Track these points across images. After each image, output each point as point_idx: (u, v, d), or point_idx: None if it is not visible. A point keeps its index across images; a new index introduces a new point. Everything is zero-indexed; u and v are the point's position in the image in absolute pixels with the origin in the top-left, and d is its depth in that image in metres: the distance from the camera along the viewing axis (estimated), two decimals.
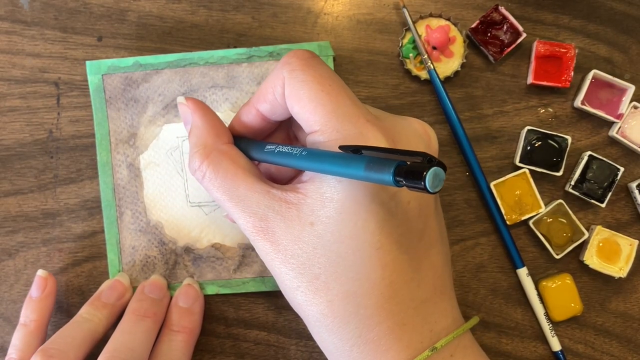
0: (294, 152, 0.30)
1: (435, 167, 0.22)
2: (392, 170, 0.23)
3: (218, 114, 0.41)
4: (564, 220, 0.41)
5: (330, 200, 0.29)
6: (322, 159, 0.28)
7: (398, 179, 0.23)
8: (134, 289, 0.41)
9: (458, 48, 0.41)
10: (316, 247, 0.29)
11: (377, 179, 0.24)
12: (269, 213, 0.30)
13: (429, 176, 0.22)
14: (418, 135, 0.32)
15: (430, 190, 0.22)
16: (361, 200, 0.29)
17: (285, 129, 0.37)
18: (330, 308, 0.30)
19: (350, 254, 0.29)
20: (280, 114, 0.33)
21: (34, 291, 0.39)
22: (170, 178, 0.41)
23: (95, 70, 0.41)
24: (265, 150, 0.32)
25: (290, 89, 0.31)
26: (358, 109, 0.30)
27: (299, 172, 0.35)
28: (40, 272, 0.40)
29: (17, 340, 0.37)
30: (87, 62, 0.41)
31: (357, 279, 0.29)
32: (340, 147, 0.28)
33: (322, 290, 0.30)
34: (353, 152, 0.27)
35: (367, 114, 0.30)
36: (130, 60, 0.41)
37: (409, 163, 0.23)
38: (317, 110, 0.30)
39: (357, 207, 0.29)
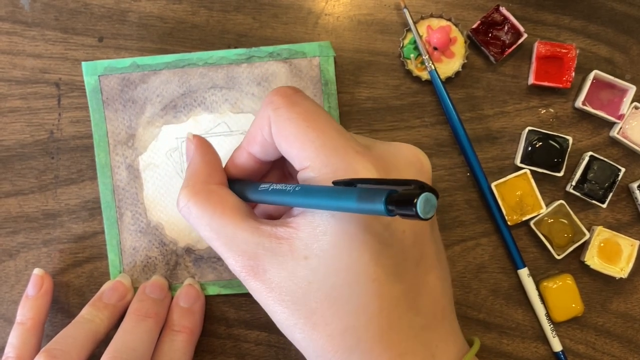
0: (288, 189, 0.29)
1: (426, 193, 0.22)
2: (383, 199, 0.23)
3: (217, 114, 0.41)
4: (565, 221, 0.41)
5: (324, 233, 0.29)
6: (315, 194, 0.27)
7: (390, 207, 0.23)
8: (135, 289, 0.41)
9: (459, 48, 0.41)
10: (311, 282, 0.29)
11: (370, 209, 0.24)
12: (259, 250, 0.30)
13: (419, 202, 0.22)
14: (409, 161, 0.32)
15: (422, 217, 0.22)
16: (355, 232, 0.28)
17: (280, 168, 0.37)
18: (330, 343, 0.29)
19: (346, 287, 0.29)
20: (271, 153, 0.32)
21: (30, 290, 0.39)
22: (170, 179, 0.41)
23: (91, 71, 0.41)
24: (259, 189, 0.32)
25: (276, 128, 0.30)
26: (346, 141, 0.30)
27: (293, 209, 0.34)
28: (37, 271, 0.40)
29: (14, 339, 0.37)
30: (83, 63, 0.41)
31: (354, 312, 0.29)
32: (334, 182, 0.28)
33: (321, 326, 0.29)
34: (346, 185, 0.27)
35: (355, 145, 0.30)
36: (127, 61, 0.41)
37: (400, 191, 0.23)
38: (305, 147, 0.30)
39: (350, 239, 0.28)
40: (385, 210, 0.23)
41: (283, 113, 0.30)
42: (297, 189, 0.29)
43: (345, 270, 0.29)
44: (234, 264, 0.30)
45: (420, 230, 0.31)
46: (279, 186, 0.30)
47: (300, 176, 0.30)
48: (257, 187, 0.32)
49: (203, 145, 0.35)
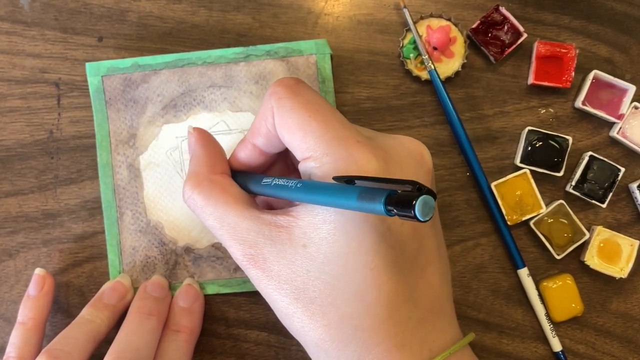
0: (290, 184, 0.30)
1: (424, 196, 0.22)
2: (382, 200, 0.23)
3: (216, 113, 0.41)
4: (565, 221, 0.41)
5: (323, 222, 0.29)
6: (316, 190, 0.28)
7: (389, 208, 0.23)
8: (135, 290, 0.41)
9: (459, 48, 0.41)
10: (309, 270, 0.29)
11: (370, 209, 0.24)
12: (259, 239, 0.30)
13: (418, 205, 0.22)
14: (410, 154, 0.32)
15: (420, 219, 0.22)
16: (354, 221, 0.29)
17: (284, 160, 0.37)
18: (327, 332, 0.29)
19: (344, 276, 0.29)
20: (276, 145, 0.33)
21: (32, 289, 0.39)
22: (170, 178, 0.41)
23: (95, 72, 0.41)
24: (262, 183, 0.32)
25: (279, 118, 0.31)
26: (347, 131, 0.30)
27: None
28: (38, 271, 0.40)
29: (15, 339, 0.37)
30: (87, 64, 0.41)
31: (352, 300, 0.29)
32: (334, 178, 0.28)
33: (319, 315, 0.29)
34: (347, 182, 0.27)
35: (357, 135, 0.30)
36: (129, 62, 0.41)
37: (399, 192, 0.23)
38: (307, 137, 0.30)
39: (350, 228, 0.29)
40: (385, 210, 0.23)
41: (285, 103, 0.31)
42: (298, 185, 0.29)
43: (344, 258, 0.29)
44: (236, 252, 0.31)
45: (419, 224, 0.31)
46: (281, 181, 0.31)
47: (302, 167, 0.31)
48: (260, 180, 0.33)
49: (204, 137, 0.35)
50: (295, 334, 0.31)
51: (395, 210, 0.23)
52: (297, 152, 0.31)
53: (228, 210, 0.31)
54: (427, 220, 0.23)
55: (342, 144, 0.29)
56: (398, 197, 0.23)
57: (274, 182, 0.31)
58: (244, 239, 0.31)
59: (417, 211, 0.22)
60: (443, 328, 0.32)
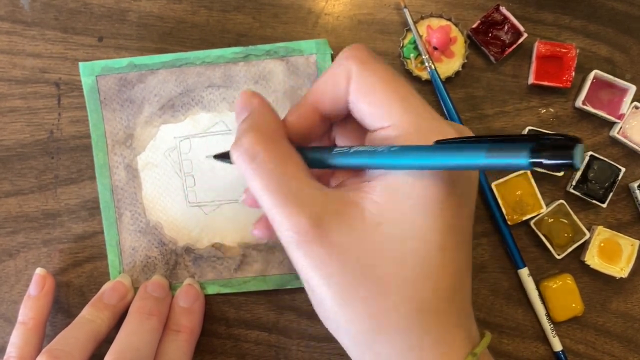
0: (378, 149, 0.26)
1: (580, 144, 0.21)
2: (528, 149, 0.21)
3: (215, 113, 0.41)
4: (565, 221, 0.41)
5: (406, 197, 0.27)
6: (425, 152, 0.25)
7: (535, 160, 0.21)
8: (135, 290, 0.41)
9: (459, 48, 0.41)
10: (383, 249, 0.27)
11: (506, 163, 0.22)
12: (325, 214, 0.27)
13: (577, 150, 0.21)
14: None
15: (577, 166, 0.21)
16: (437, 197, 0.27)
17: (327, 135, 0.33)
18: (394, 313, 0.27)
19: (413, 255, 0.27)
20: (340, 111, 0.30)
21: (33, 289, 0.39)
22: (168, 179, 0.41)
23: (88, 72, 0.41)
24: (334, 153, 0.29)
25: (359, 83, 0.28)
26: (430, 108, 0.28)
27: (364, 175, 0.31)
28: (39, 270, 0.40)
29: (15, 339, 0.37)
30: (80, 64, 0.41)
31: (418, 280, 0.27)
32: (437, 142, 0.26)
33: (382, 295, 0.27)
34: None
35: (437, 114, 0.28)
36: (124, 61, 0.41)
37: (535, 144, 0.22)
38: (392, 104, 0.28)
39: (431, 204, 0.27)
40: (529, 162, 0.21)
41: (370, 67, 0.28)
42: (392, 148, 0.26)
43: (423, 237, 0.27)
44: (288, 224, 0.27)
45: (472, 207, 0.30)
46: (363, 147, 0.27)
47: (376, 136, 0.28)
48: (330, 150, 0.29)
49: (266, 100, 0.31)
50: (346, 324, 0.27)
51: (545, 160, 0.21)
52: (373, 119, 0.28)
53: (292, 175, 0.27)
54: (579, 168, 0.22)
55: (433, 118, 0.27)
56: (551, 143, 0.21)
57: (354, 150, 0.28)
58: (304, 211, 0.27)
59: (577, 156, 0.21)
60: (472, 315, 0.31)
